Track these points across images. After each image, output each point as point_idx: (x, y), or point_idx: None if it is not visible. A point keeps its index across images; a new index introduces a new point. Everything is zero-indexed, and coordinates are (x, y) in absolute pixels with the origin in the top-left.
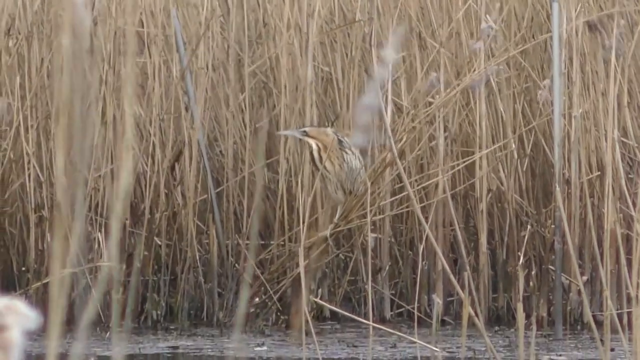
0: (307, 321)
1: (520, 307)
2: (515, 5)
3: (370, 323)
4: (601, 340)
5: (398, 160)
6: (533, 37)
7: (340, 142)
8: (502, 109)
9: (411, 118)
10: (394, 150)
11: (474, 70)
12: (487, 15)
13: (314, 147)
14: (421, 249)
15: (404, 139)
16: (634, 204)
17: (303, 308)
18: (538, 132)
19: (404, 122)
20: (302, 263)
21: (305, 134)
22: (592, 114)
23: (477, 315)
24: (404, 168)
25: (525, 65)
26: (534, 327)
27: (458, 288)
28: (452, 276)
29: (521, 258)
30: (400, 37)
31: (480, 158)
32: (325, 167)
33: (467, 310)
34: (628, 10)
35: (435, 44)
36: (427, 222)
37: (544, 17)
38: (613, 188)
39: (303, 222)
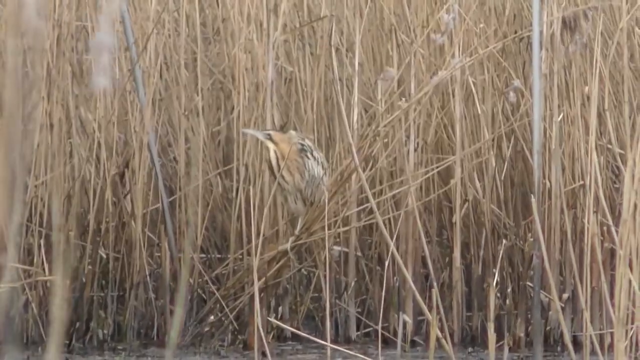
0: (265, 342)
1: (491, 326)
2: (496, 1)
3: (328, 344)
4: None
5: (360, 170)
6: (515, 34)
7: (302, 147)
8: (480, 112)
9: (377, 121)
10: (355, 158)
11: (444, 68)
12: (454, 6)
13: (272, 154)
14: (390, 263)
15: (370, 145)
16: (618, 216)
17: (258, 328)
18: (519, 137)
19: (372, 126)
20: (256, 280)
21: (269, 137)
22: (576, 118)
23: (449, 335)
24: (374, 175)
25: (505, 65)
26: (506, 348)
27: (425, 309)
28: (417, 294)
29: (496, 274)
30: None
31: (455, 165)
32: (282, 177)
33: (435, 330)
34: (603, 5)
35: (407, 39)
36: (396, 234)
37: (526, 15)
38: (596, 200)
39: (261, 234)
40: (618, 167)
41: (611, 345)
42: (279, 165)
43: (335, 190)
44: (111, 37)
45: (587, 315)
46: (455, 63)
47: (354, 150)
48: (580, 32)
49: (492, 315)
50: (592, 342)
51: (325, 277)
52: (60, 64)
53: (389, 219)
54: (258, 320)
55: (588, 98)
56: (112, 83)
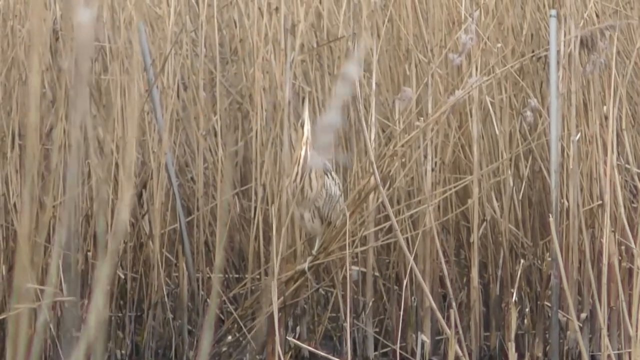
0: None
1: (512, 346)
2: (514, 21)
3: None
4: None
5: (381, 187)
6: (533, 54)
7: (323, 165)
8: (497, 132)
9: (395, 142)
10: (377, 176)
11: (462, 88)
12: (471, 26)
13: (303, 154)
14: (408, 283)
15: (387, 164)
16: (636, 236)
17: (277, 349)
18: (536, 156)
19: (389, 146)
20: (275, 299)
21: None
22: (594, 138)
23: (467, 354)
24: (392, 195)
25: (523, 85)
26: None
27: (444, 325)
28: (438, 313)
29: (514, 293)
30: (363, 50)
31: (473, 184)
32: (310, 181)
33: (454, 349)
34: (620, 24)
35: (424, 59)
36: (414, 253)
37: (544, 34)
38: (614, 219)
39: (278, 255)
40: (636, 187)
41: None
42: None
43: (353, 210)
44: (339, 117)
45: (604, 332)
46: (472, 82)
47: (375, 167)
48: (597, 52)
49: (513, 334)
50: None
51: (343, 297)
52: (78, 84)
53: (407, 238)
54: (277, 340)
55: (606, 118)
56: (328, 162)
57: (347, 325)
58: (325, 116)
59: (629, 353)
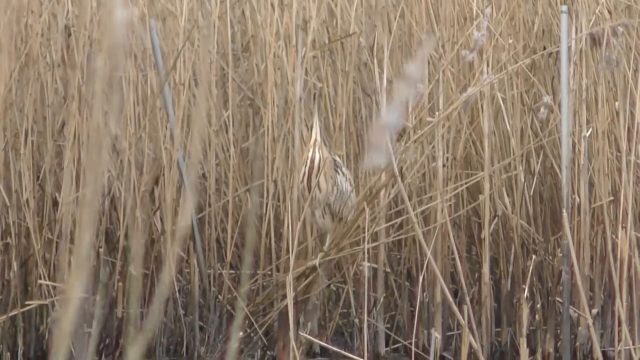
0: (295, 357)
1: (523, 342)
2: (525, 16)
3: None
4: None
5: (400, 180)
6: (544, 50)
7: (334, 162)
8: (509, 128)
9: (406, 138)
10: (395, 169)
11: (474, 84)
12: (483, 22)
13: (317, 155)
14: (420, 279)
15: (399, 160)
16: None
17: (291, 343)
18: (548, 152)
19: (401, 142)
20: (290, 294)
21: (322, 138)
22: (605, 134)
23: (480, 350)
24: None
25: (534, 80)
26: None
27: (460, 319)
28: (455, 307)
29: (526, 289)
30: (429, 49)
31: (484, 180)
32: (318, 183)
33: (467, 344)
34: (632, 22)
35: (435, 55)
36: (431, 249)
37: (555, 30)
38: (628, 214)
39: (291, 250)
40: None
41: None
42: (319, 168)
43: (365, 206)
44: (397, 117)
45: (623, 327)
46: (484, 80)
47: (394, 162)
48: (609, 49)
49: (525, 330)
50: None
51: (357, 293)
52: (90, 80)
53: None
54: (291, 335)
55: (617, 113)
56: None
57: (364, 320)
58: (383, 116)
59: None
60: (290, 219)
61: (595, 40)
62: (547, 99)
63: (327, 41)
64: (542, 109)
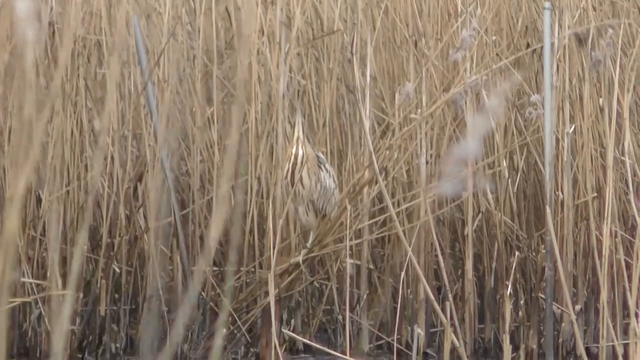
0: (278, 354)
1: (507, 338)
2: (509, 13)
3: (347, 358)
4: None
5: (380, 179)
6: (528, 47)
7: (317, 158)
8: (492, 125)
9: (391, 134)
10: (376, 167)
11: (458, 83)
12: (471, 21)
13: (300, 151)
14: (403, 276)
15: (383, 157)
16: (634, 228)
17: (274, 340)
18: (532, 149)
19: (385, 139)
20: (272, 291)
21: (306, 135)
22: (589, 130)
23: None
24: (387, 188)
25: (518, 77)
26: None
27: (442, 317)
28: (435, 304)
29: (509, 286)
30: (508, 89)
31: (467, 177)
32: (301, 179)
33: (450, 341)
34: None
35: (424, 53)
36: (411, 246)
37: (539, 27)
38: (612, 211)
39: (273, 247)
40: (626, 180)
41: (625, 356)
42: (302, 164)
43: (350, 201)
44: (477, 145)
45: (607, 322)
46: (469, 81)
47: (374, 159)
48: (595, 49)
49: (507, 326)
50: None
51: (341, 290)
52: (74, 77)
53: (402, 231)
54: (274, 332)
55: (601, 110)
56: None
57: (347, 317)
58: (459, 145)
59: (625, 345)
60: (273, 216)
61: (580, 41)
62: (534, 98)
63: (311, 38)
64: (529, 109)
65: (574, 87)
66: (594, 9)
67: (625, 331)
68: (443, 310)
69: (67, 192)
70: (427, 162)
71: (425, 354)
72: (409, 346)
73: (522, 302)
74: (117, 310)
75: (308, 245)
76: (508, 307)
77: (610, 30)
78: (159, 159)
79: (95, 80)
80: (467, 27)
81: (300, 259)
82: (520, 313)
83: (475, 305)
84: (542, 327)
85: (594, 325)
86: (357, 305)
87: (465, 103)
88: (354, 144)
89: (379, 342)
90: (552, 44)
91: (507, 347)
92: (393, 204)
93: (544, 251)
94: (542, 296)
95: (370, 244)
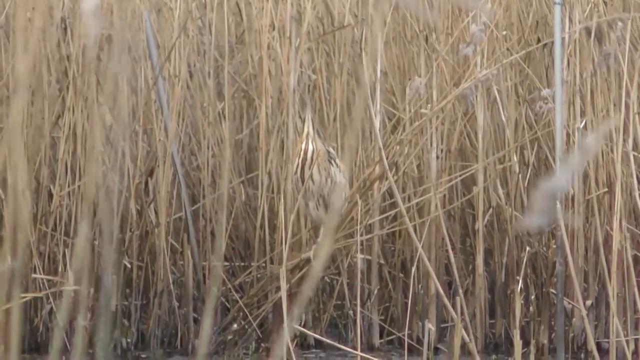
0: (289, 350)
1: (517, 333)
2: (520, 7)
3: (358, 352)
4: None
5: (390, 175)
6: (538, 42)
7: (328, 153)
8: (503, 120)
9: (401, 129)
10: (385, 163)
11: (468, 78)
12: (480, 16)
13: (310, 146)
14: (413, 271)
15: (393, 153)
16: None
17: (285, 336)
18: (542, 144)
19: (395, 134)
20: (284, 287)
21: (316, 130)
22: (599, 125)
23: (473, 341)
24: (397, 183)
25: (528, 72)
26: (533, 355)
27: (453, 312)
28: (445, 299)
29: (520, 281)
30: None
31: (478, 172)
32: (312, 175)
33: (460, 336)
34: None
35: (435, 48)
36: (420, 242)
37: (550, 21)
38: (622, 206)
39: (284, 242)
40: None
41: (636, 352)
42: (312, 160)
43: (361, 196)
44: (565, 182)
45: (617, 321)
46: (480, 76)
47: (383, 154)
48: (605, 43)
49: (518, 321)
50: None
51: (352, 285)
52: (85, 73)
53: (413, 226)
54: (285, 327)
55: (615, 105)
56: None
57: (358, 312)
58: (550, 181)
59: (636, 340)
60: (284, 211)
61: (590, 35)
62: (545, 92)
63: (321, 33)
64: (540, 103)
65: (584, 81)
66: (605, 3)
67: (637, 326)
68: (454, 305)
69: (78, 187)
70: (437, 157)
71: (436, 349)
72: (419, 341)
73: (532, 297)
74: (128, 305)
75: (318, 240)
76: (519, 303)
77: (619, 24)
78: (169, 154)
79: (105, 75)
80: (478, 21)
81: (311, 254)
82: (531, 308)
83: (486, 300)
84: (553, 322)
85: (604, 321)
86: (368, 301)
87: (476, 98)
88: (365, 139)
89: (390, 337)
90: (563, 39)
91: (517, 343)
92: (403, 199)
93: (554, 246)
94: (553, 291)
95: (380, 239)
